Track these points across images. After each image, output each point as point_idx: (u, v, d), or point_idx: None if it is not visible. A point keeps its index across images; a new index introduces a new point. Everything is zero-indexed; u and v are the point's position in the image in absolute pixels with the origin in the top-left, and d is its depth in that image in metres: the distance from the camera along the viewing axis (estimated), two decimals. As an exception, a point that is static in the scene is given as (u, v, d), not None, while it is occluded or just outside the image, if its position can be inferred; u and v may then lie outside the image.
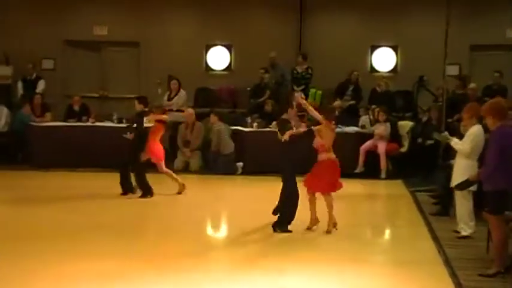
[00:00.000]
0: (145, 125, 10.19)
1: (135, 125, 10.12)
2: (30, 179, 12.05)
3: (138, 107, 10.17)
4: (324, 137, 8.03)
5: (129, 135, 10.15)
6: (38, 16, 15.40)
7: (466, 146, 7.53)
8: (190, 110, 13.39)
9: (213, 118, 12.92)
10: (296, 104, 8.40)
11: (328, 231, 7.95)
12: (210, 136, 13.06)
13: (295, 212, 8.04)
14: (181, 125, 13.23)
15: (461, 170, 7.50)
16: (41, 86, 14.54)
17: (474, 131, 7.51)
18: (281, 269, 6.47)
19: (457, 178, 7.51)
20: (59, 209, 9.22)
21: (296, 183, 8.04)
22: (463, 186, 7.27)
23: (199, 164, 13.09)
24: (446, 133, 8.47)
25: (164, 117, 10.44)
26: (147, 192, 9.98)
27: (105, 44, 15.84)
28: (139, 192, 10.05)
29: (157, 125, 10.24)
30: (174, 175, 10.50)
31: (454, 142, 7.78)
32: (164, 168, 10.31)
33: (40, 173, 12.42)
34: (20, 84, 14.63)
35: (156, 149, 10.22)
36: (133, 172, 10.11)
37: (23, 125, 13.39)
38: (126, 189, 10.14)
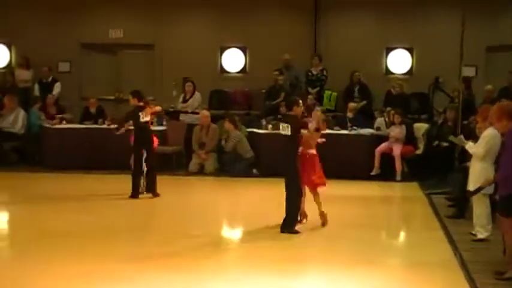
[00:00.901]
0: (143, 119, 10.15)
1: (130, 122, 10.21)
2: (46, 180, 12.15)
3: (133, 101, 10.22)
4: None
5: (121, 131, 10.26)
6: (54, 19, 15.49)
7: (481, 149, 7.47)
8: (206, 112, 13.40)
9: (229, 126, 12.77)
10: (305, 108, 8.52)
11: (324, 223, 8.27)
12: (224, 138, 13.00)
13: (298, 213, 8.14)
14: (196, 127, 13.26)
15: (477, 173, 7.45)
16: (57, 88, 14.63)
17: (489, 134, 7.44)
18: (294, 271, 6.46)
19: (472, 181, 7.46)
20: (72, 211, 9.28)
21: (301, 182, 8.06)
22: (474, 193, 7.24)
23: (215, 166, 13.10)
24: (461, 136, 8.42)
25: (158, 108, 10.66)
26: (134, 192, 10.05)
27: (120, 47, 15.91)
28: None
29: (153, 117, 10.47)
30: None
31: (469, 145, 7.74)
32: None
33: (55, 174, 12.50)
34: (36, 87, 14.74)
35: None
36: (148, 167, 10.13)
37: (34, 123, 13.49)
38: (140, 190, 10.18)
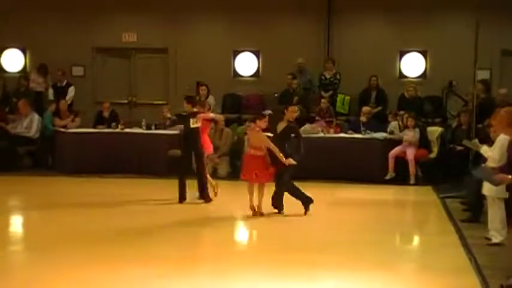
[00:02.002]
0: (193, 125, 10.16)
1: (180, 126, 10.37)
2: (59, 184, 12.20)
3: (187, 106, 10.26)
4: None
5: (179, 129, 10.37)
6: (68, 24, 15.59)
7: (495, 153, 7.41)
8: (220, 116, 13.39)
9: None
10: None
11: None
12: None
13: (304, 193, 9.30)
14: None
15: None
16: (70, 93, 14.69)
17: (504, 137, 7.39)
18: (309, 275, 6.44)
19: (487, 184, 7.40)
20: (86, 214, 9.31)
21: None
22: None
23: (228, 169, 13.11)
24: (476, 140, 8.37)
25: (211, 115, 10.68)
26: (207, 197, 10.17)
27: (134, 51, 15.97)
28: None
29: (206, 122, 10.47)
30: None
31: (484, 149, 7.68)
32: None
33: (69, 178, 12.55)
34: (50, 91, 14.82)
35: (206, 142, 10.51)
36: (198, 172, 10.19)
37: (48, 127, 13.65)
38: (184, 196, 10.14)
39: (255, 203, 9.18)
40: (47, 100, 14.59)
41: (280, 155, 8.95)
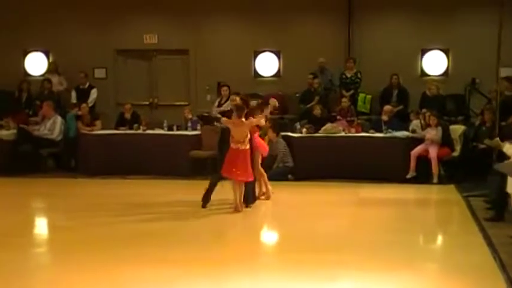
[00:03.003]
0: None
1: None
2: (82, 186, 12.29)
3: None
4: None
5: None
6: (90, 27, 15.71)
7: None
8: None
9: (272, 135, 12.26)
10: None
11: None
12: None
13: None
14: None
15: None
16: (93, 95, 14.78)
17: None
18: (334, 276, 6.42)
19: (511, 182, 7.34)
20: (110, 216, 9.35)
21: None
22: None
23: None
24: (497, 139, 8.29)
25: (262, 122, 10.13)
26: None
27: (155, 52, 16.05)
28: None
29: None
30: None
31: (506, 148, 7.61)
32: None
33: (92, 180, 12.65)
34: (73, 94, 14.93)
35: (261, 144, 10.28)
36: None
37: (71, 127, 13.78)
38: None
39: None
40: (71, 103, 14.69)
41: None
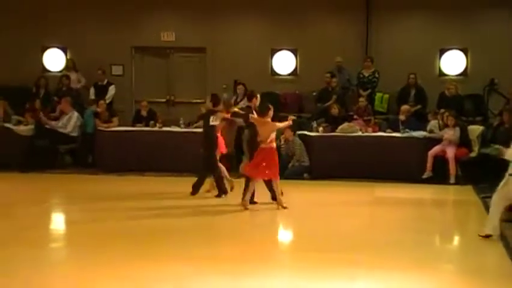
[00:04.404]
0: (212, 123, 10.40)
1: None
2: (99, 182, 12.34)
3: (208, 104, 10.60)
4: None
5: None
6: (107, 24, 15.76)
7: None
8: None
9: (289, 133, 12.44)
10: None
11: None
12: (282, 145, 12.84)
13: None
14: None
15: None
16: (111, 91, 14.83)
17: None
18: (351, 276, 6.40)
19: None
20: (126, 212, 9.38)
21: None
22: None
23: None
24: (497, 146, 8.23)
25: (227, 116, 10.70)
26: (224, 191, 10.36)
27: (172, 50, 16.07)
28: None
29: (223, 123, 10.66)
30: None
31: (508, 154, 7.55)
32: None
33: (109, 176, 12.71)
34: (92, 90, 14.99)
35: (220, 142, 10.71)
36: (212, 171, 10.46)
37: (88, 123, 13.85)
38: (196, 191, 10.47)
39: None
40: (90, 100, 14.75)
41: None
